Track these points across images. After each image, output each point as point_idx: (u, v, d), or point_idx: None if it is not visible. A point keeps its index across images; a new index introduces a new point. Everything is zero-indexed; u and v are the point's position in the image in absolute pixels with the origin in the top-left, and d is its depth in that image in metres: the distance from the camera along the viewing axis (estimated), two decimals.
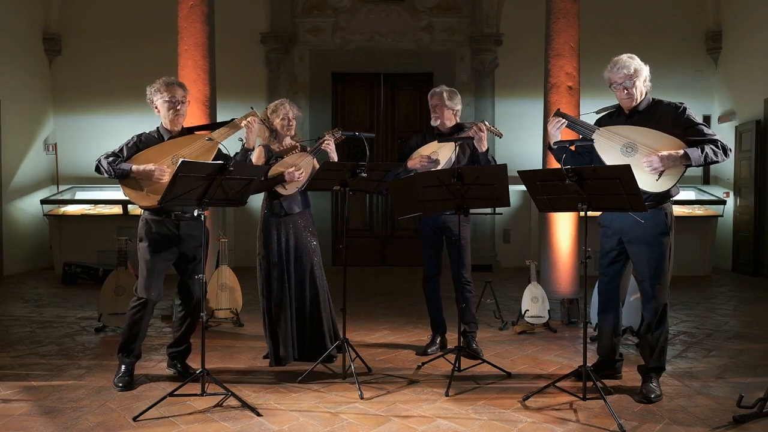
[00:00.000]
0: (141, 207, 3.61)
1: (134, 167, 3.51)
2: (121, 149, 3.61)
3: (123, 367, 3.63)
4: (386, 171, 3.91)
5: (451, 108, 4.26)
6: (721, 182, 8.94)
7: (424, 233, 4.35)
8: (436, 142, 4.20)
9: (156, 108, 3.69)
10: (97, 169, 3.55)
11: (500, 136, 4.26)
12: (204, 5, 5.60)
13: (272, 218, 4.06)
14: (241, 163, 3.61)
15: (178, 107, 3.65)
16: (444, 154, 4.14)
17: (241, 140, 3.73)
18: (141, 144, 3.65)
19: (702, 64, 9.08)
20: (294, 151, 4.09)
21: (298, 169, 3.92)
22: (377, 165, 3.85)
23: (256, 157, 4.08)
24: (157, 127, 3.74)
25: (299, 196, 4.08)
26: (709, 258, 8.21)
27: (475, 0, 9.06)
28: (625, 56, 3.46)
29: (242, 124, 3.72)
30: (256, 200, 8.86)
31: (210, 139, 3.61)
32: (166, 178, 3.46)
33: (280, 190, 3.98)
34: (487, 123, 4.16)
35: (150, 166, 3.50)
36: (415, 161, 4.22)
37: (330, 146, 4.03)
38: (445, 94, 4.26)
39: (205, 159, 3.57)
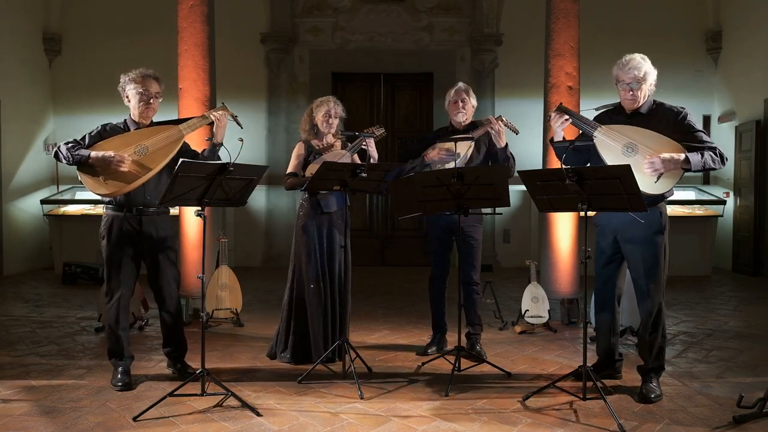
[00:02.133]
0: (97, 194, 3.52)
1: (93, 153, 3.41)
2: (84, 137, 3.55)
3: (120, 368, 3.62)
4: (386, 171, 3.91)
5: (473, 105, 4.29)
6: (721, 182, 8.93)
7: (433, 234, 4.32)
8: (448, 141, 4.16)
9: (127, 97, 3.63)
10: (56, 155, 3.47)
11: (516, 132, 4.19)
12: (204, 5, 5.59)
13: (310, 216, 4.06)
14: (241, 163, 3.60)
15: (150, 101, 3.59)
16: (461, 148, 4.10)
17: (241, 139, 3.71)
18: (105, 133, 3.59)
19: (702, 64, 9.08)
20: (333, 150, 4.08)
21: None
22: (377, 165, 3.85)
23: (296, 151, 4.08)
24: (125, 119, 3.68)
25: (338, 193, 4.04)
26: (709, 258, 8.20)
27: (475, 0, 9.06)
28: (638, 56, 3.41)
29: (212, 117, 3.64)
30: (257, 200, 8.92)
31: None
32: (126, 167, 3.41)
33: None
34: (504, 118, 4.13)
35: (109, 153, 3.40)
36: (433, 153, 4.19)
37: (371, 145, 4.00)
38: (470, 90, 4.28)
39: (169, 150, 3.50)
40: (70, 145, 3.47)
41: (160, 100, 3.68)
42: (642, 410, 3.23)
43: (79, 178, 3.50)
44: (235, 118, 3.73)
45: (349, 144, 4.11)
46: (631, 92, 3.41)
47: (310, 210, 4.06)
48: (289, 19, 9.12)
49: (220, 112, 3.66)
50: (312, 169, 3.96)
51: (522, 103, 8.67)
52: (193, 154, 3.74)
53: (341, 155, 3.99)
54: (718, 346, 4.59)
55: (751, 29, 8.30)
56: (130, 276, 3.63)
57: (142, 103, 3.58)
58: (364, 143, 3.99)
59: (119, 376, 3.59)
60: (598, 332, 3.76)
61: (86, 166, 3.43)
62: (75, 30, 9.09)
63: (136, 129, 3.61)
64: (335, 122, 4.10)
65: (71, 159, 3.41)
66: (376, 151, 4.06)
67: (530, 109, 8.31)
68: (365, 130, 4.03)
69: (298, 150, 4.12)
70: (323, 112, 4.06)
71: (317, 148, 4.10)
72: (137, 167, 3.43)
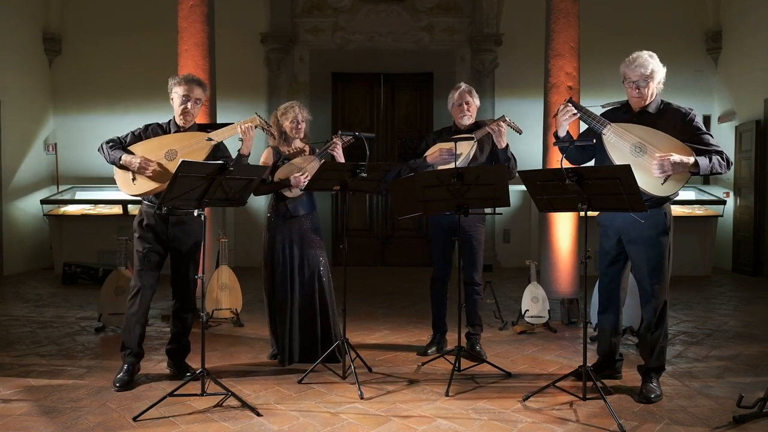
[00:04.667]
0: (126, 193, 3.65)
1: (124, 157, 3.54)
2: (126, 135, 3.68)
3: (125, 366, 3.64)
4: (386, 171, 3.91)
5: (476, 105, 4.28)
6: (721, 182, 8.94)
7: (435, 234, 4.32)
8: (448, 141, 4.16)
9: (172, 99, 3.73)
10: (99, 150, 3.63)
11: (520, 132, 4.16)
12: (204, 5, 5.60)
13: (278, 220, 4.06)
14: (241, 164, 3.60)
15: (188, 105, 3.66)
16: (463, 149, 4.09)
17: (241, 140, 3.71)
18: (145, 134, 3.71)
19: (702, 64, 9.08)
20: (302, 154, 4.08)
21: (304, 173, 3.91)
22: (377, 165, 3.85)
23: (264, 158, 4.08)
24: (170, 120, 3.78)
25: (305, 198, 4.07)
26: (709, 258, 8.21)
27: (475, 0, 9.06)
28: (645, 54, 3.38)
29: (238, 129, 3.66)
30: (257, 200, 8.91)
31: (210, 140, 3.61)
32: (150, 172, 3.51)
33: (286, 192, 3.99)
34: (508, 118, 4.11)
35: (136, 159, 3.52)
36: (434, 155, 4.18)
37: (337, 150, 4.01)
38: (473, 91, 4.27)
39: (197, 156, 3.56)
40: (110, 144, 3.61)
41: (200, 106, 3.76)
42: (642, 410, 3.23)
43: (114, 175, 3.64)
44: (267, 129, 3.78)
45: (317, 150, 4.10)
46: (637, 90, 3.39)
47: (277, 214, 4.06)
48: (289, 19, 9.12)
49: (247, 125, 3.68)
50: (281, 173, 3.96)
51: (522, 103, 8.67)
52: (227, 156, 3.78)
53: (309, 161, 3.99)
54: (718, 346, 4.59)
55: (751, 29, 8.30)
56: (153, 271, 3.68)
57: (181, 107, 3.67)
58: (331, 149, 4.00)
59: (120, 374, 3.60)
60: (600, 332, 3.75)
61: (120, 165, 3.58)
62: (75, 30, 9.09)
63: (176, 131, 3.71)
64: (303, 126, 4.09)
65: (108, 158, 3.58)
66: (342, 157, 4.05)
67: (530, 109, 8.30)
68: (333, 137, 4.01)
69: (266, 157, 4.09)
70: (290, 119, 4.05)
71: (286, 153, 4.09)
72: (166, 171, 3.51)
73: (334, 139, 4.01)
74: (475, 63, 9.09)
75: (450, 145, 4.13)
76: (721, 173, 3.31)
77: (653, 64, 3.36)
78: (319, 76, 9.20)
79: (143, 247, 3.65)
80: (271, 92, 9.12)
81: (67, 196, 8.65)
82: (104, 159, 3.61)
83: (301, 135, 4.11)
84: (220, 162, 3.26)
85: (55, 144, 9.00)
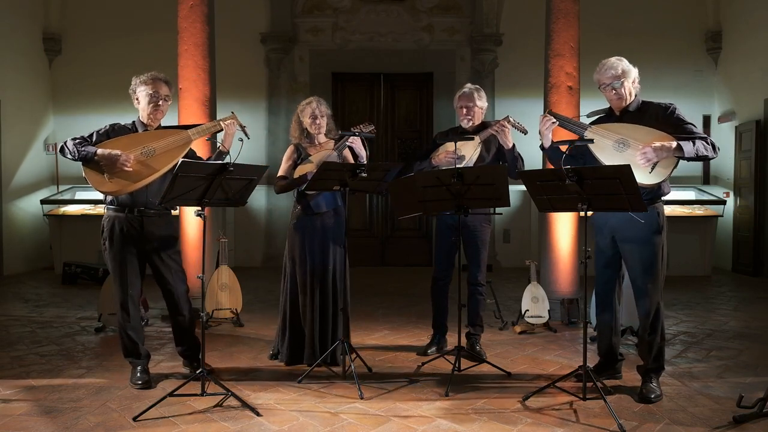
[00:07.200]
0: (101, 191, 3.50)
1: (99, 150, 3.41)
2: (91, 134, 3.56)
3: (138, 367, 3.63)
4: (386, 171, 3.90)
5: (481, 107, 4.24)
6: (721, 182, 8.94)
7: (441, 233, 4.31)
8: (448, 141, 4.15)
9: (137, 99, 3.65)
10: (62, 150, 3.44)
11: (525, 132, 4.15)
12: (204, 5, 5.60)
13: (301, 217, 4.05)
14: (241, 163, 3.60)
15: (160, 102, 3.61)
16: (468, 150, 4.09)
17: (241, 139, 3.70)
18: (113, 133, 3.60)
19: (702, 64, 9.08)
20: (321, 150, 4.05)
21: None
22: (377, 165, 3.84)
23: (287, 155, 4.08)
24: (134, 120, 3.70)
25: (327, 193, 4.01)
26: (709, 258, 8.20)
27: (475, 0, 9.06)
28: (613, 58, 3.53)
29: (221, 125, 3.64)
30: (257, 200, 8.92)
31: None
32: (130, 167, 3.42)
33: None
34: (511, 119, 4.10)
35: (116, 151, 3.40)
36: (440, 157, 4.17)
37: (356, 143, 3.98)
38: (475, 95, 4.21)
39: (176, 154, 3.50)
40: (77, 141, 3.46)
41: (169, 103, 3.70)
42: (642, 410, 3.23)
43: (84, 174, 3.49)
44: (243, 128, 3.72)
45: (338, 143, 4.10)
46: (614, 91, 3.49)
47: (300, 212, 4.05)
48: (289, 19, 9.12)
49: (230, 121, 3.67)
50: (300, 170, 3.95)
51: (522, 103, 8.64)
52: (198, 159, 3.75)
53: (328, 155, 3.97)
54: (718, 346, 4.59)
55: (751, 29, 8.30)
56: (135, 276, 3.63)
57: (151, 105, 3.60)
58: (349, 141, 3.97)
59: (138, 374, 3.60)
60: (599, 333, 3.76)
61: (92, 162, 3.43)
62: (75, 30, 9.09)
63: (144, 131, 3.63)
64: (323, 122, 4.06)
65: (77, 155, 3.40)
66: (363, 149, 4.03)
67: (530, 109, 8.25)
68: (354, 128, 3.98)
69: (288, 153, 4.10)
70: (309, 115, 4.04)
71: (308, 149, 4.09)
72: (143, 168, 3.44)
73: (352, 129, 3.97)
74: (475, 63, 9.09)
75: (450, 145, 4.12)
76: (709, 156, 3.32)
77: (622, 65, 3.49)
78: (319, 76, 9.20)
79: (120, 254, 3.56)
80: (271, 92, 9.12)
81: (67, 196, 8.65)
82: (69, 156, 3.39)
83: (322, 130, 4.08)
84: (219, 162, 3.26)
85: (56, 144, 8.99)
